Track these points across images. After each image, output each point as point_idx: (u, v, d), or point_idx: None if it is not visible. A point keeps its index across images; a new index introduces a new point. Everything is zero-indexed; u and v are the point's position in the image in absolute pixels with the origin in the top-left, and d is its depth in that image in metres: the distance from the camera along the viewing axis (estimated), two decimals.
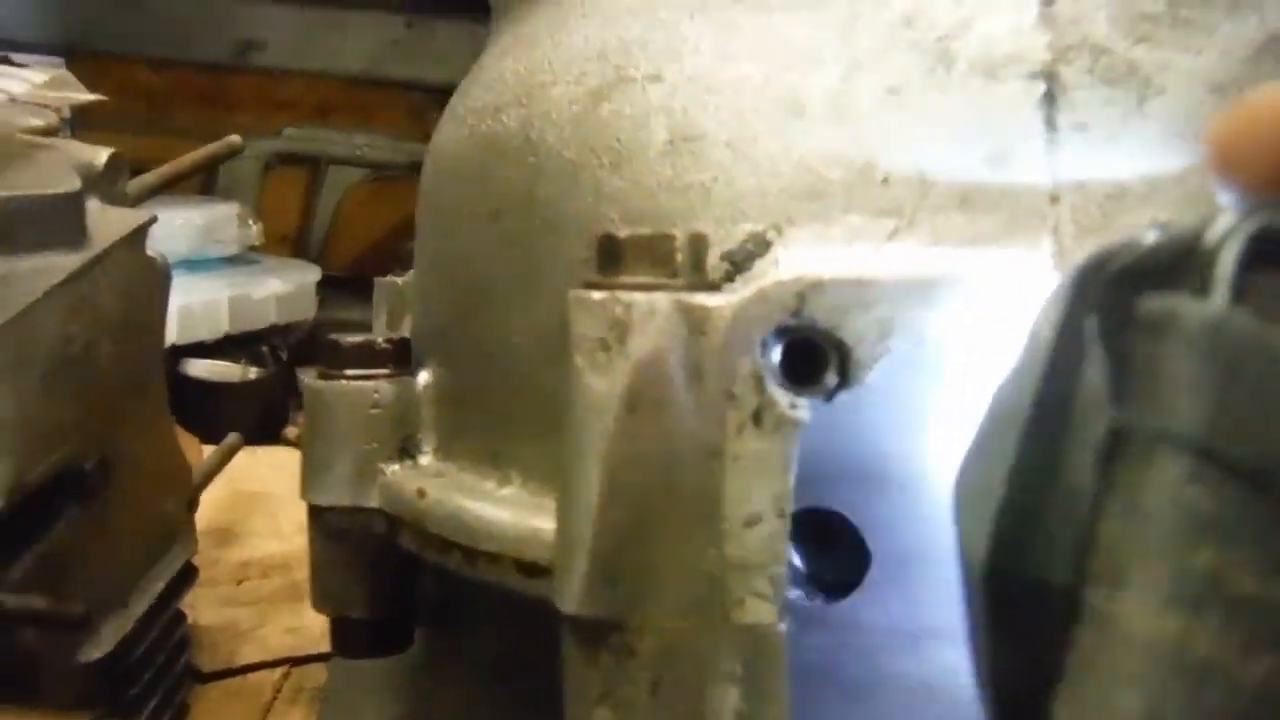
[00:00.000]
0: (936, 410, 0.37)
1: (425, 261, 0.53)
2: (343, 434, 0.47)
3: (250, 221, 1.71)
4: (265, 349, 1.71)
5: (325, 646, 1.24)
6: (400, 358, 0.49)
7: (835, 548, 0.38)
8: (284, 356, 1.72)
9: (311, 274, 1.81)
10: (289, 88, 2.02)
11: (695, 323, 0.32)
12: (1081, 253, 0.34)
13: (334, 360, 0.48)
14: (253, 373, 1.67)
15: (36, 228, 0.83)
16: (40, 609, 0.74)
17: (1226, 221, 0.20)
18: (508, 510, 0.40)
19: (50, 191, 0.86)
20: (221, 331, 1.63)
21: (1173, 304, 0.20)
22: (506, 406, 0.44)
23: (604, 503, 0.32)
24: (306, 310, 1.77)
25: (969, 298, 0.32)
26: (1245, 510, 0.19)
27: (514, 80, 0.46)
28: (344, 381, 0.47)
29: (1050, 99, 0.35)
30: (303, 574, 1.52)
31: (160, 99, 1.98)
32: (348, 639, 0.49)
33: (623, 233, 0.33)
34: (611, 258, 0.33)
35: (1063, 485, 0.23)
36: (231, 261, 1.71)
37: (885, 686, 0.38)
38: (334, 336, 0.49)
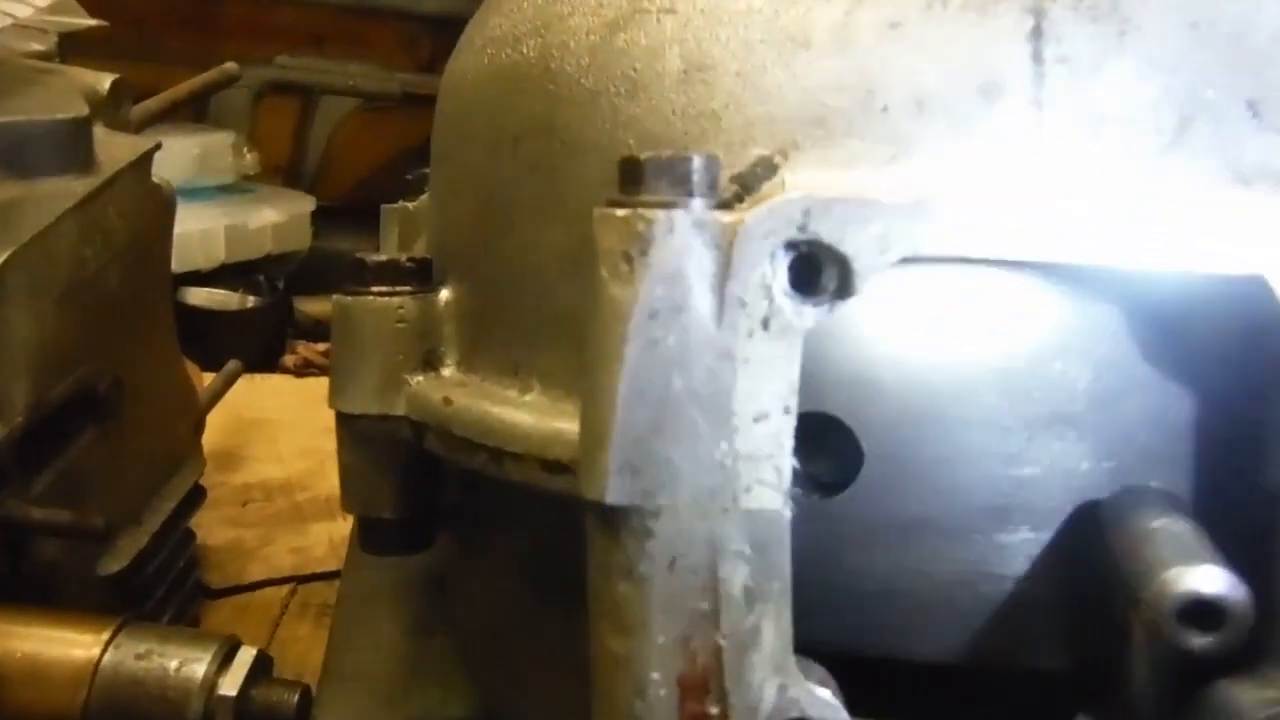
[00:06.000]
0: (923, 321, 0.40)
1: (444, 185, 0.56)
2: (369, 347, 0.50)
3: (245, 150, 1.72)
4: (261, 278, 1.73)
5: (329, 565, 1.29)
6: (422, 276, 0.52)
7: (831, 448, 0.41)
8: (280, 286, 1.75)
9: (306, 204, 1.83)
10: (280, 15, 2.01)
11: (711, 237, 0.35)
12: (1064, 178, 0.37)
13: (360, 277, 0.51)
14: (250, 301, 1.69)
15: (48, 152, 0.85)
16: (64, 521, 0.78)
17: None
18: (530, 414, 0.44)
19: (60, 116, 0.88)
20: (218, 260, 1.65)
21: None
22: (528, 320, 0.47)
23: (626, 401, 0.35)
24: (301, 240, 1.79)
25: (960, 217, 0.35)
26: None
27: (532, 11, 0.48)
28: (371, 297, 0.50)
29: (1038, 33, 0.38)
30: (304, 496, 1.56)
31: (149, 25, 1.97)
32: (375, 537, 0.53)
33: (643, 155, 0.36)
34: (633, 178, 0.36)
35: None
36: (226, 190, 1.73)
37: (878, 573, 0.42)
38: (360, 255, 0.52)
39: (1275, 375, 0.38)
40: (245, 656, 0.67)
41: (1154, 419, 0.40)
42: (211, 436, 1.19)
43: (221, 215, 1.67)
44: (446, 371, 0.51)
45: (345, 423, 0.52)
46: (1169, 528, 0.36)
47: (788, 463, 0.36)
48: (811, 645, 0.38)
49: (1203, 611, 0.33)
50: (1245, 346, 0.38)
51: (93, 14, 1.11)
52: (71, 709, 0.64)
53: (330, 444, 0.53)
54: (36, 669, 0.66)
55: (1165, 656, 0.36)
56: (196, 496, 1.06)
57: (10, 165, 0.82)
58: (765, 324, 0.35)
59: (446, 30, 1.99)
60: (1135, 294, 0.39)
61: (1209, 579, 0.33)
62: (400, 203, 0.70)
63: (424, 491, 0.53)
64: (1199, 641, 0.33)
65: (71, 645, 0.67)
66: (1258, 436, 0.39)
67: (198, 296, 1.65)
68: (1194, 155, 0.38)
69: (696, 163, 0.36)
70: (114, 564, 0.90)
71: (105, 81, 0.96)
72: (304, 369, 1.67)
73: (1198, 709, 0.36)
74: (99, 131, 0.90)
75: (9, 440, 0.73)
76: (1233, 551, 0.36)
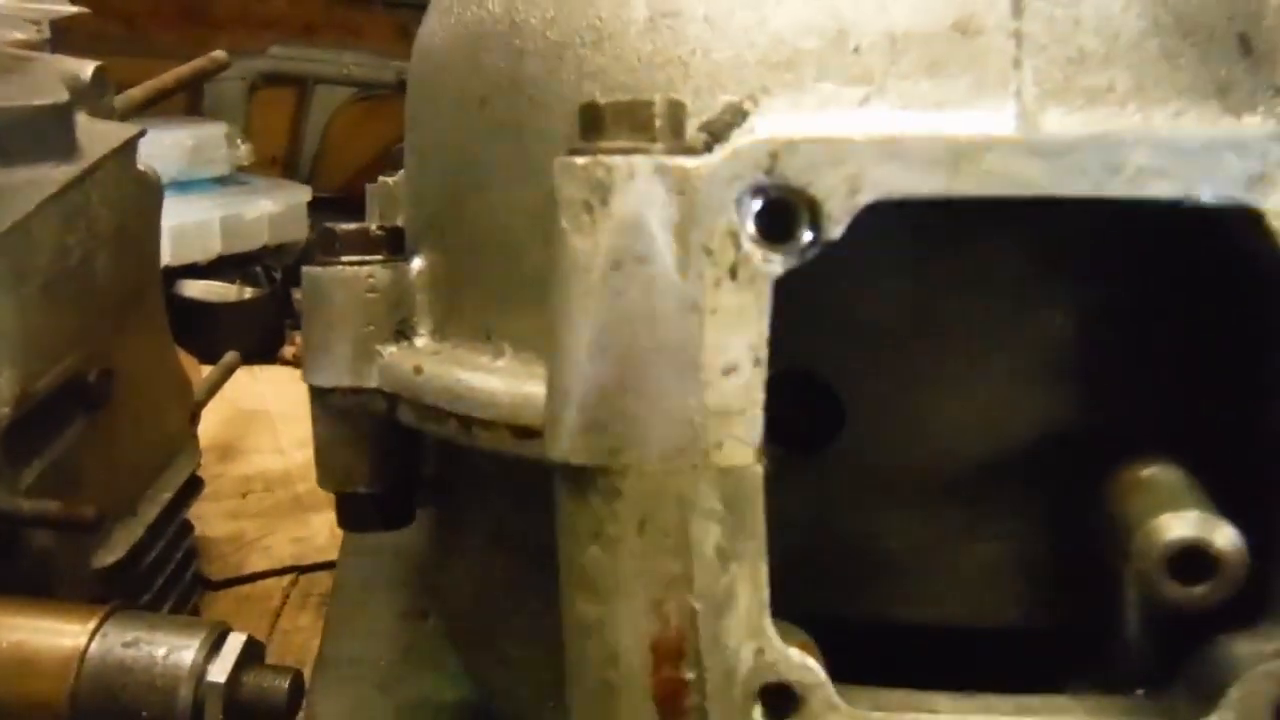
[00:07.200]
0: (903, 267, 0.39)
1: (416, 153, 0.54)
2: (341, 318, 0.49)
3: (239, 141, 1.71)
4: (259, 269, 1.72)
5: (330, 555, 1.28)
6: (394, 245, 0.51)
7: (811, 403, 0.40)
8: (278, 277, 1.74)
9: (302, 194, 1.81)
10: (272, 6, 1.99)
11: (674, 183, 0.33)
12: (1043, 115, 0.36)
13: (330, 247, 0.50)
14: (248, 292, 1.68)
15: (28, 139, 0.84)
16: (54, 512, 0.77)
17: None
18: (500, 379, 0.42)
19: (39, 102, 0.86)
20: (214, 252, 1.64)
21: None
22: (498, 284, 0.46)
23: (590, 356, 0.34)
24: (298, 231, 1.78)
25: (935, 155, 0.33)
26: None
27: None
28: (341, 267, 0.49)
29: None
30: (305, 487, 1.55)
31: (140, 19, 1.96)
32: (353, 513, 0.52)
33: (604, 101, 0.34)
34: (593, 125, 0.34)
35: None
36: (222, 182, 1.72)
37: (864, 532, 0.40)
38: (329, 225, 0.51)
39: (1273, 316, 0.36)
40: (234, 643, 0.66)
41: (1146, 366, 0.39)
42: (211, 428, 1.18)
43: (217, 207, 1.66)
44: (420, 341, 0.49)
45: (318, 397, 0.50)
46: (1159, 475, 0.34)
47: (760, 417, 0.34)
48: (796, 610, 0.36)
49: (1192, 560, 0.31)
50: (1239, 285, 0.37)
51: (85, 8, 1.10)
52: (59, 698, 0.64)
53: None
54: (23, 658, 0.65)
55: (1157, 610, 0.34)
56: (193, 487, 1.05)
57: None
58: (733, 273, 0.33)
59: None
60: (1122, 232, 0.37)
61: (1198, 525, 0.31)
62: (380, 179, 0.69)
63: (401, 466, 0.51)
64: (1190, 592, 0.32)
65: (59, 634, 0.66)
66: (1258, 382, 0.37)
67: (195, 289, 1.64)
68: (1181, 89, 0.36)
69: (659, 107, 0.34)
70: (109, 556, 0.89)
71: (88, 69, 0.95)
72: None
73: (1192, 665, 0.35)
74: (82, 119, 0.89)
75: None
76: (1232, 502, 0.34)
